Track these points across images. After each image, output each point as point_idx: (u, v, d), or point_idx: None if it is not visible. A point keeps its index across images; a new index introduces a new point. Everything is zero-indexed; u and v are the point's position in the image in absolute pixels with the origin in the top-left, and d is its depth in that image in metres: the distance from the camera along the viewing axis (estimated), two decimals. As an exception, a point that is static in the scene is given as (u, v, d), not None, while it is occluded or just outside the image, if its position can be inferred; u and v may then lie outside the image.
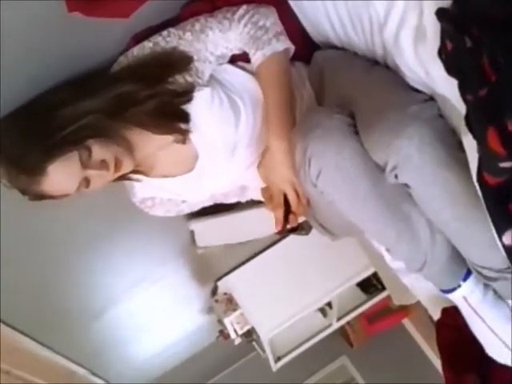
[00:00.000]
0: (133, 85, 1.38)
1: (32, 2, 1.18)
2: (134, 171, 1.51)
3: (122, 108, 1.38)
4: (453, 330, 1.59)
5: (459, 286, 1.40)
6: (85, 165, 1.33)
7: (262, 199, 1.60)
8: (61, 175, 1.32)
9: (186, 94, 1.43)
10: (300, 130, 1.32)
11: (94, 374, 3.37)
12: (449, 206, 1.23)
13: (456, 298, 1.42)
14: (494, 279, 1.32)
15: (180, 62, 1.44)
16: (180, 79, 1.43)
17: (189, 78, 1.44)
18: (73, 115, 1.32)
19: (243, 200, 1.82)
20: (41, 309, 2.28)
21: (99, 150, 1.35)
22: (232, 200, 1.80)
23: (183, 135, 1.45)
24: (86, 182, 1.36)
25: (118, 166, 1.38)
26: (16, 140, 1.31)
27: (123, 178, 1.50)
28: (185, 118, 1.43)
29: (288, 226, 1.51)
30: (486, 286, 1.39)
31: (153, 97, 1.39)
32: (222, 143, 1.51)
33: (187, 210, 1.75)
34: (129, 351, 3.60)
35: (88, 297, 2.56)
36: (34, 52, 1.31)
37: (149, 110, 1.39)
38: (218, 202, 1.79)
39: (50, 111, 1.33)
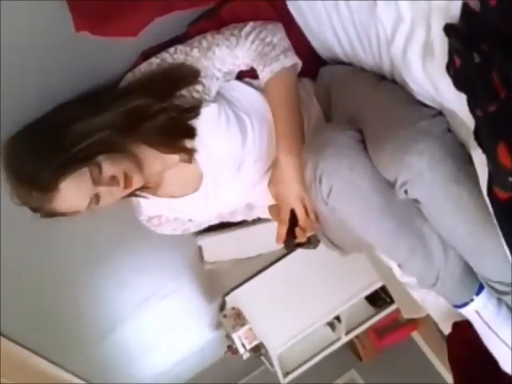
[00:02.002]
0: (143, 99, 1.38)
1: (41, 19, 1.20)
2: (142, 188, 1.50)
3: (134, 123, 1.38)
4: (464, 345, 1.58)
5: (472, 300, 1.38)
6: (96, 181, 1.33)
7: (269, 217, 1.59)
8: (72, 192, 1.32)
9: (193, 109, 1.43)
10: (311, 147, 1.32)
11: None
12: (461, 221, 1.22)
13: (469, 312, 1.41)
14: (507, 293, 1.32)
15: (188, 75, 1.44)
16: (187, 95, 1.44)
17: (195, 94, 1.44)
18: (84, 131, 1.33)
19: (250, 218, 1.82)
20: (49, 325, 2.28)
21: (109, 166, 1.35)
22: (239, 218, 1.80)
23: (189, 154, 1.45)
24: (97, 198, 1.36)
25: (128, 181, 1.38)
26: (27, 157, 1.31)
27: (131, 194, 1.49)
28: (191, 133, 1.43)
29: (295, 241, 1.50)
30: (499, 300, 1.38)
31: (163, 111, 1.39)
32: (228, 161, 1.51)
33: (193, 228, 1.75)
34: (138, 368, 3.59)
35: (97, 313, 2.56)
36: (42, 68, 1.31)
37: (159, 124, 1.39)
38: (225, 220, 1.79)
39: (61, 128, 1.33)
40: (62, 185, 1.29)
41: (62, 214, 1.38)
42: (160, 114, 1.39)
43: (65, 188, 1.30)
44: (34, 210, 1.36)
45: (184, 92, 1.43)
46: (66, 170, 1.29)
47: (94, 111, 1.36)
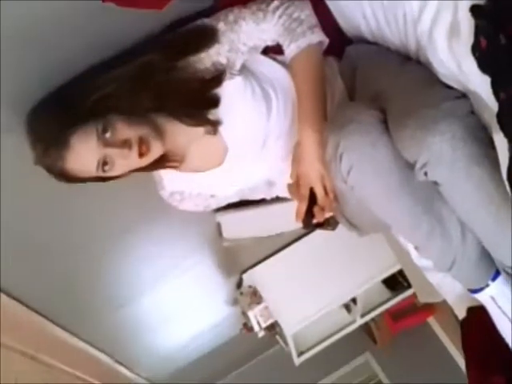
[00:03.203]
0: (158, 55, 1.36)
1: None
2: (166, 161, 1.48)
3: (146, 76, 1.35)
4: (479, 330, 1.58)
5: (487, 285, 1.39)
6: (102, 140, 1.29)
7: (288, 196, 1.59)
8: (81, 149, 1.29)
9: (216, 79, 1.42)
10: (333, 124, 1.32)
11: (117, 361, 3.40)
12: (482, 203, 1.22)
13: (484, 297, 1.41)
14: (522, 279, 1.31)
15: (206, 34, 1.42)
16: (211, 68, 1.43)
17: (220, 67, 1.43)
18: (98, 84, 1.31)
19: (269, 197, 1.82)
20: (68, 295, 2.30)
21: (123, 128, 1.31)
22: (259, 196, 1.79)
23: (213, 126, 1.45)
24: (108, 160, 1.32)
25: (144, 147, 1.34)
26: (44, 116, 1.31)
27: (154, 167, 1.47)
28: (215, 102, 1.42)
29: (314, 221, 1.50)
30: (515, 286, 1.38)
31: (177, 69, 1.38)
32: (252, 135, 1.51)
33: (214, 205, 1.74)
34: (153, 341, 3.63)
35: (115, 285, 2.59)
36: (65, 39, 1.31)
37: (175, 85, 1.37)
38: (245, 198, 1.79)
39: (76, 86, 1.33)
40: (72, 141, 1.27)
41: (76, 178, 1.36)
42: (173, 71, 1.37)
43: (75, 144, 1.28)
44: (48, 169, 1.33)
45: (207, 63, 1.42)
46: (75, 125, 1.27)
47: (109, 68, 1.34)
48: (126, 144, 1.32)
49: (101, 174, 1.35)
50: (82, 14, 1.28)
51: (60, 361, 2.57)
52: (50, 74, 1.33)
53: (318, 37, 1.48)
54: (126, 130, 1.32)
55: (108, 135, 1.30)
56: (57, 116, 1.28)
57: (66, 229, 1.90)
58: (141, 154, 1.34)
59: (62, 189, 1.40)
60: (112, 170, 1.35)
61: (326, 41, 1.52)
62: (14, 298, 1.99)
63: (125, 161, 1.34)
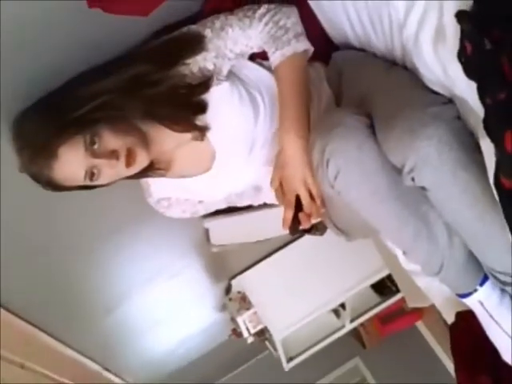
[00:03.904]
0: (147, 66, 1.36)
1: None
2: (153, 169, 1.49)
3: (136, 88, 1.35)
4: (467, 335, 1.58)
5: (476, 290, 1.38)
6: (90, 151, 1.29)
7: (275, 202, 1.59)
8: (69, 160, 1.29)
9: (203, 85, 1.42)
10: (319, 129, 1.32)
11: (106, 368, 3.38)
12: (468, 207, 1.22)
13: (472, 302, 1.41)
14: (509, 284, 1.31)
15: (192, 41, 1.42)
16: (198, 74, 1.43)
17: (206, 73, 1.43)
18: (85, 96, 1.30)
19: (256, 203, 1.82)
20: (55, 301, 2.29)
21: (110, 138, 1.31)
22: (246, 202, 1.79)
23: (201, 132, 1.44)
24: (96, 171, 1.32)
25: (131, 157, 1.34)
26: (30, 123, 1.30)
27: (141, 175, 1.48)
28: (202, 108, 1.42)
29: (300, 227, 1.50)
30: (503, 290, 1.38)
31: (165, 79, 1.37)
32: (240, 140, 1.51)
33: (202, 211, 1.75)
34: (141, 346, 3.61)
35: (102, 290, 2.57)
36: (54, 44, 1.31)
37: (163, 94, 1.37)
38: (232, 204, 1.79)
39: (65, 95, 1.32)
40: (60, 150, 1.27)
41: (63, 187, 1.36)
42: (162, 83, 1.37)
43: (63, 155, 1.28)
44: (35, 178, 1.34)
45: (193, 69, 1.42)
46: (63, 135, 1.27)
47: (98, 78, 1.34)
48: (113, 155, 1.32)
49: (88, 183, 1.35)
50: (68, 21, 1.28)
51: (48, 369, 2.55)
52: (38, 79, 1.33)
53: (304, 45, 1.48)
54: (113, 141, 1.32)
55: (96, 146, 1.30)
56: (45, 125, 1.28)
57: (52, 233, 1.89)
58: (128, 164, 1.35)
59: (47, 191, 1.39)
60: (99, 179, 1.35)
61: (312, 49, 1.52)
62: (1, 306, 1.97)
63: (112, 170, 1.35)
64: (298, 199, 1.45)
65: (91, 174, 1.33)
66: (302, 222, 1.47)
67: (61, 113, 1.29)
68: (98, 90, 1.32)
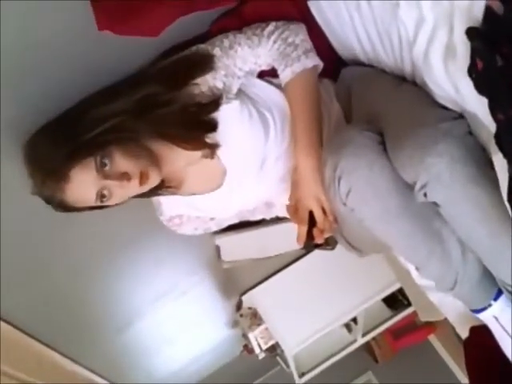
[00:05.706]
0: (157, 86, 1.37)
1: (65, 15, 1.20)
2: (163, 187, 1.49)
3: (147, 110, 1.36)
4: (482, 350, 1.57)
5: (490, 305, 1.38)
6: (101, 172, 1.30)
7: (287, 216, 1.59)
8: (80, 182, 1.29)
9: (213, 103, 1.42)
10: (330, 147, 1.32)
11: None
12: (481, 223, 1.21)
13: (487, 317, 1.40)
14: (523, 298, 1.31)
15: (201, 61, 1.42)
16: (208, 93, 1.43)
17: (216, 92, 1.44)
18: (96, 119, 1.31)
19: (268, 217, 1.83)
20: (65, 319, 2.29)
21: (121, 160, 1.32)
22: (258, 217, 1.80)
23: (211, 149, 1.45)
24: (106, 192, 1.33)
25: (143, 178, 1.35)
26: (42, 146, 1.30)
27: (152, 193, 1.48)
28: (212, 126, 1.42)
29: (314, 242, 1.50)
30: (517, 304, 1.37)
31: (176, 100, 1.38)
32: (250, 157, 1.51)
33: (215, 227, 1.75)
34: (152, 364, 3.60)
35: (113, 308, 2.57)
36: (64, 67, 1.32)
37: (174, 114, 1.38)
38: (244, 219, 1.79)
39: (76, 117, 1.32)
40: (72, 173, 1.27)
41: (75, 209, 1.36)
42: (172, 103, 1.37)
43: (74, 177, 1.28)
44: (47, 200, 1.34)
45: (203, 88, 1.42)
46: (74, 158, 1.27)
47: (108, 100, 1.35)
48: (124, 176, 1.32)
49: (99, 203, 1.36)
50: (77, 42, 1.29)
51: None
52: (48, 101, 1.34)
53: (313, 61, 1.48)
54: (124, 162, 1.32)
55: (107, 168, 1.30)
56: (56, 148, 1.28)
57: (63, 252, 1.89)
58: (142, 183, 1.35)
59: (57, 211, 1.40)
60: (110, 200, 1.36)
61: (321, 65, 1.52)
62: (11, 324, 1.97)
63: (123, 190, 1.35)
64: (311, 215, 1.46)
65: (102, 196, 1.33)
66: (315, 238, 1.48)
67: (72, 136, 1.29)
68: (108, 112, 1.32)
